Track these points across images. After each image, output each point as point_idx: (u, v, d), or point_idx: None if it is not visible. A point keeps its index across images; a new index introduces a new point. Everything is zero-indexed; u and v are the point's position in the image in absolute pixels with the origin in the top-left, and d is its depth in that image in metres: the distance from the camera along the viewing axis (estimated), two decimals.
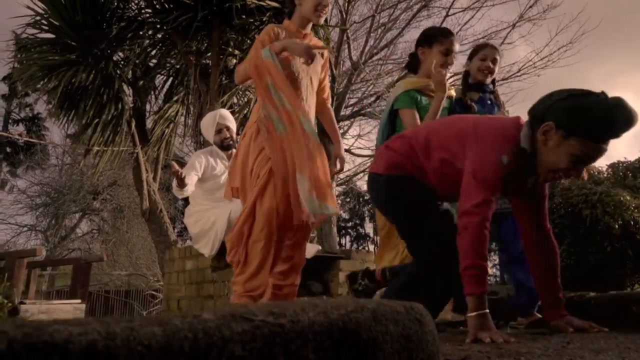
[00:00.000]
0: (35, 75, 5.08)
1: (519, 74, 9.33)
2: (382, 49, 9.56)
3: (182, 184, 2.87)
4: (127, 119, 5.97)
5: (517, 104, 11.21)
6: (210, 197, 3.25)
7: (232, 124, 3.42)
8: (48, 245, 15.46)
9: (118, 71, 5.40)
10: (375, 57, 9.67)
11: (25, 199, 15.71)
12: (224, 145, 3.35)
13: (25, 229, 15.60)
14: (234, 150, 3.51)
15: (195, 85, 5.65)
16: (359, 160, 13.70)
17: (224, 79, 5.62)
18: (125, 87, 6.63)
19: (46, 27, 5.14)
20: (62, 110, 5.18)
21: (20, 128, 28.59)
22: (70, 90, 5.12)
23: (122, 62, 6.39)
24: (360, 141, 13.11)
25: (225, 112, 3.44)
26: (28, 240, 15.63)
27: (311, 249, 3.25)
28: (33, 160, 17.51)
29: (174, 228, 7.49)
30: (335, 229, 9.79)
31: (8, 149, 29.02)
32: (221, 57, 5.70)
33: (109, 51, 5.35)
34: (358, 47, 9.91)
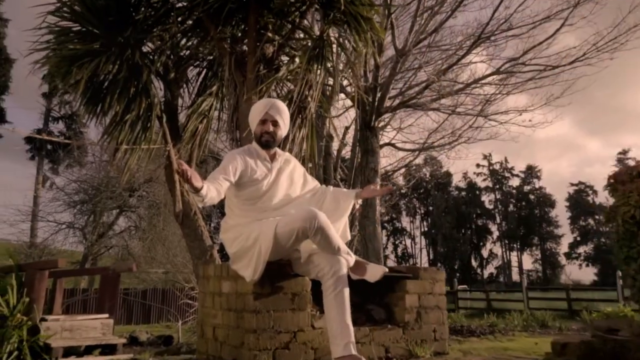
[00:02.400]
0: (61, 66, 4.62)
1: (583, 58, 8.41)
2: (430, 34, 8.80)
3: (193, 187, 2.30)
4: (158, 115, 5.48)
5: (578, 91, 10.27)
6: (250, 208, 2.67)
7: (283, 121, 2.85)
8: (86, 243, 15.40)
9: (146, 61, 4.87)
10: (421, 44, 8.92)
11: (63, 196, 15.68)
12: (262, 141, 2.77)
13: (64, 226, 15.56)
14: (278, 152, 2.94)
15: (230, 76, 5.10)
16: (400, 154, 13.02)
17: (261, 67, 5.04)
18: (154, 80, 6.18)
19: (68, 15, 4.67)
20: (87, 105, 4.70)
21: (60, 125, 29.13)
22: (95, 83, 4.64)
23: (152, 54, 5.91)
24: (400, 135, 12.39)
25: (281, 105, 2.87)
26: (66, 237, 15.62)
27: (376, 271, 2.65)
28: (72, 158, 17.48)
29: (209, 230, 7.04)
30: (379, 229, 9.15)
31: (49, 146, 29.60)
32: (258, 43, 5.13)
33: (135, 39, 4.84)
34: (403, 33, 9.20)
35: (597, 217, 58.12)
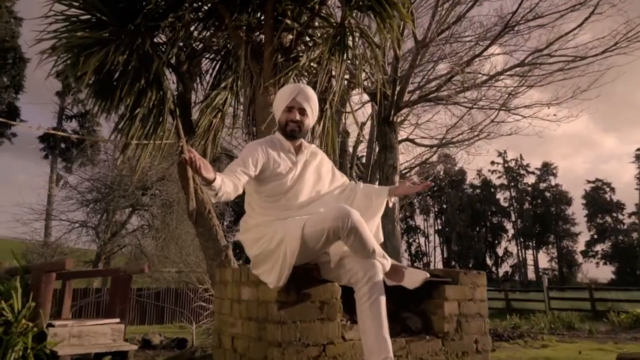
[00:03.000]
0: (69, 56, 4.37)
1: (614, 48, 8.00)
2: (452, 24, 8.43)
3: (204, 179, 2.03)
4: (170, 109, 5.23)
5: (607, 83, 9.84)
6: (273, 205, 2.38)
7: (311, 109, 2.56)
8: (98, 242, 15.27)
9: (158, 52, 4.61)
10: (442, 35, 8.56)
11: (76, 195, 15.56)
12: (287, 131, 2.48)
13: (77, 225, 15.44)
14: (304, 144, 2.66)
15: (245, 66, 4.82)
16: (417, 150, 12.67)
17: (279, 57, 4.76)
18: (167, 72, 5.93)
19: (76, 3, 4.43)
20: (96, 97, 4.46)
21: (74, 124, 29.17)
22: (104, 74, 4.39)
23: (164, 44, 5.67)
24: (418, 131, 12.04)
25: (310, 91, 2.57)
26: (79, 236, 15.50)
27: (416, 277, 2.35)
28: (85, 156, 17.39)
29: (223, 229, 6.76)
30: (398, 227, 8.83)
31: (62, 145, 29.67)
32: (275, 32, 4.84)
33: (146, 28, 4.58)
34: (422, 25, 8.86)
35: (614, 214, 57.16)
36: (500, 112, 9.75)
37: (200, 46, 6.14)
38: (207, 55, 6.25)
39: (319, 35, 4.89)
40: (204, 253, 5.53)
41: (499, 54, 9.17)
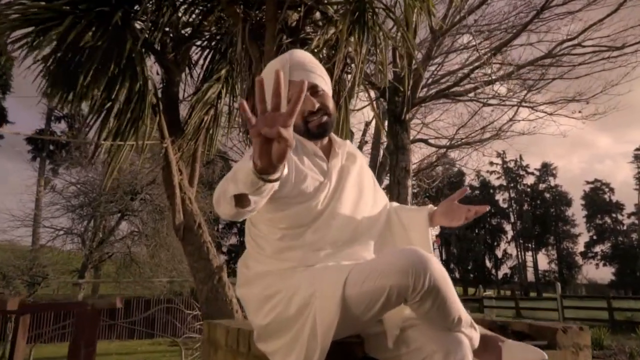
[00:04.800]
0: (30, 30, 3.48)
1: None
2: (470, 13, 7.57)
3: (271, 168, 1.09)
4: (152, 102, 4.34)
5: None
6: (294, 244, 1.48)
7: (323, 80, 1.62)
8: (85, 250, 14.32)
9: (132, 28, 3.72)
10: (458, 25, 7.70)
11: (61, 200, 14.60)
12: (313, 131, 1.57)
13: (62, 232, 14.48)
14: (334, 140, 1.78)
15: (243, 50, 3.93)
16: (428, 151, 11.84)
17: (284, 38, 3.87)
18: (150, 62, 5.06)
19: None
20: (54, 86, 3.55)
21: (63, 125, 28.17)
22: (65, 57, 3.49)
23: (148, 30, 4.79)
24: (426, 130, 11.17)
25: (305, 55, 1.64)
26: (64, 244, 14.52)
27: (521, 354, 1.48)
28: (73, 159, 16.43)
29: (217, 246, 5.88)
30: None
31: (51, 147, 28.66)
32: (280, 8, 3.96)
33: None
34: (438, 13, 7.99)
35: (614, 215, 56.64)
36: (519, 109, 8.92)
37: (189, 31, 5.30)
38: (197, 43, 5.39)
39: (332, 11, 4.01)
40: (193, 275, 4.63)
41: (521, 45, 8.29)
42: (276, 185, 1.18)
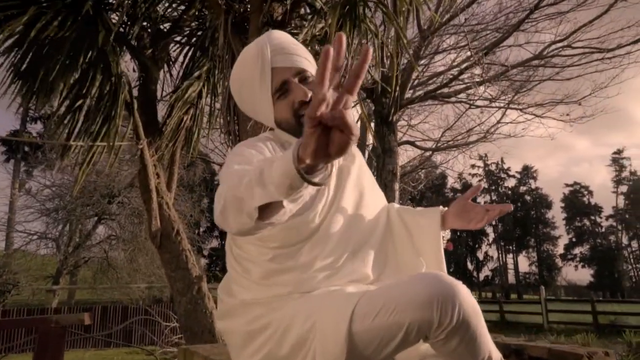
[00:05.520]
0: None
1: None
2: (460, 12, 7.40)
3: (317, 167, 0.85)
4: (127, 100, 4.04)
5: (629, 79, 8.94)
6: (286, 266, 1.21)
7: (309, 62, 1.35)
8: (59, 255, 13.82)
9: (103, 17, 3.41)
10: (449, 24, 7.52)
11: (34, 203, 14.08)
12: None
13: (35, 237, 13.95)
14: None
15: (225, 44, 3.66)
16: (412, 153, 11.66)
17: (269, 30, 3.61)
18: (127, 58, 4.76)
19: None
20: (17, 82, 3.24)
21: (39, 125, 27.41)
22: (30, 49, 3.18)
23: (125, 24, 4.50)
24: (411, 132, 10.99)
25: (286, 37, 1.38)
26: (38, 249, 13.99)
27: None
28: (48, 160, 15.89)
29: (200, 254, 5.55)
30: None
31: (26, 148, 27.88)
32: (264, 2, 3.70)
33: None
34: (427, 12, 7.81)
35: (592, 217, 57.51)
36: (507, 111, 8.78)
37: (168, 26, 5.02)
38: (176, 38, 5.11)
39: (320, 4, 3.76)
40: (171, 286, 4.33)
41: (509, 46, 8.16)
42: (313, 190, 0.92)
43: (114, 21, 4.27)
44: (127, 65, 5.34)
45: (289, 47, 1.32)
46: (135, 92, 4.80)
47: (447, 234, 1.55)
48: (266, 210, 0.93)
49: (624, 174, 58.76)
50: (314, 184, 0.85)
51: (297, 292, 1.18)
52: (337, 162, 1.38)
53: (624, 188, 58.10)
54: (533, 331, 13.45)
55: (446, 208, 1.50)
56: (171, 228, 4.30)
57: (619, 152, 60.25)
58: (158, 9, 4.85)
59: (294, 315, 1.14)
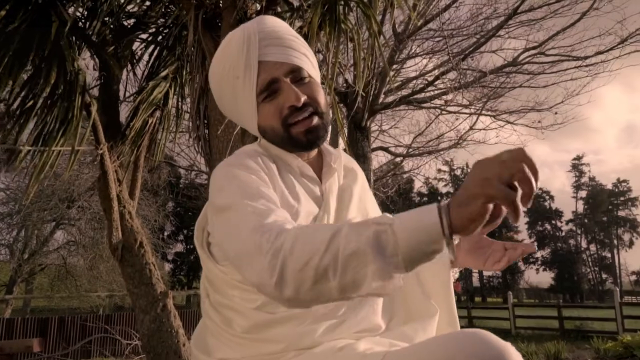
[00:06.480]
0: None
1: (620, 46, 7.13)
2: (437, 16, 7.28)
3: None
4: (86, 101, 3.70)
5: (599, 88, 9.01)
6: (280, 313, 0.96)
7: (307, 59, 1.10)
8: (13, 262, 13.10)
9: (66, 15, 3.09)
10: (424, 28, 7.41)
11: None
12: (297, 139, 1.05)
13: None
14: (326, 151, 1.24)
15: (195, 42, 3.38)
16: (384, 159, 11.56)
17: None
18: (87, 54, 4.42)
19: None
20: None
21: None
22: None
23: (84, 17, 4.17)
24: (383, 137, 10.87)
25: (280, 25, 1.12)
26: None
27: None
28: (1, 162, 15.07)
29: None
30: None
31: None
32: None
33: None
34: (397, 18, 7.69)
35: (553, 222, 59.21)
36: (479, 117, 8.75)
37: (133, 23, 4.70)
38: (141, 36, 4.79)
39: (298, 2, 3.53)
40: (133, 303, 3.99)
41: (481, 53, 8.12)
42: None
43: (78, 16, 3.94)
44: (87, 63, 5.00)
45: (284, 37, 1.07)
46: (96, 92, 4.47)
47: (456, 272, 1.33)
48: None
49: (583, 180, 60.83)
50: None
51: (294, 350, 0.93)
52: (337, 181, 1.14)
53: (583, 193, 60.11)
54: (501, 337, 13.53)
55: (458, 243, 1.26)
56: (134, 240, 3.97)
57: (578, 158, 62.36)
58: (121, 2, 4.53)
59: None
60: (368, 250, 0.70)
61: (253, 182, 0.93)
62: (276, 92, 1.04)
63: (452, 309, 1.19)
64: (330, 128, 1.15)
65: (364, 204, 1.18)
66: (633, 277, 62.36)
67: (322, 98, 1.10)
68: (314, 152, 1.14)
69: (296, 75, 1.06)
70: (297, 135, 1.04)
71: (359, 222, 0.75)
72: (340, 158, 1.16)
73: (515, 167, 0.67)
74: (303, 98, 1.03)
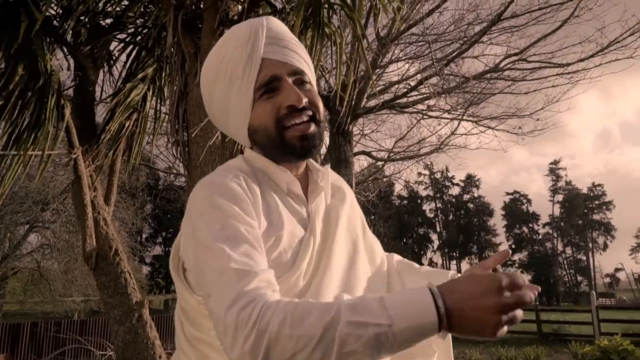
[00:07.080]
0: None
1: (601, 53, 7.20)
2: (419, 21, 7.26)
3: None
4: (58, 103, 3.55)
5: (579, 95, 9.13)
6: None
7: (307, 65, 1.04)
8: None
9: (36, 11, 2.95)
10: (407, 32, 7.39)
11: None
12: (292, 144, 0.96)
13: None
14: (312, 166, 1.13)
15: (175, 44, 3.26)
16: (365, 162, 11.51)
17: (224, 30, 3.25)
18: (60, 54, 4.27)
19: None
20: None
21: None
22: None
23: (59, 16, 4.02)
24: (365, 141, 10.83)
25: (284, 29, 1.07)
26: None
27: None
28: None
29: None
30: None
31: None
32: None
33: None
34: (381, 22, 7.66)
35: (530, 225, 60.07)
36: (461, 122, 8.77)
37: (110, 22, 4.55)
38: (119, 36, 4.65)
39: (282, 3, 3.44)
40: (107, 313, 3.84)
41: (463, 58, 8.15)
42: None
43: (53, 14, 3.79)
44: (61, 63, 4.83)
45: (289, 40, 1.02)
46: (71, 94, 4.32)
47: (456, 274, 1.26)
48: None
49: (560, 184, 61.87)
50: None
51: None
52: (324, 200, 1.06)
53: (559, 197, 61.12)
54: (480, 341, 13.60)
55: (458, 274, 1.18)
56: (108, 247, 3.83)
57: (555, 162, 63.44)
58: (98, 1, 4.39)
59: None
60: (366, 352, 0.69)
61: (235, 217, 0.84)
62: (276, 90, 0.97)
63: (448, 349, 1.13)
64: (323, 139, 1.08)
65: (353, 224, 1.10)
66: (607, 280, 63.68)
67: (322, 107, 1.04)
68: (302, 167, 1.06)
69: (299, 78, 0.99)
70: (290, 140, 0.96)
71: (355, 310, 0.71)
72: (328, 176, 1.08)
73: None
74: (304, 100, 0.96)
